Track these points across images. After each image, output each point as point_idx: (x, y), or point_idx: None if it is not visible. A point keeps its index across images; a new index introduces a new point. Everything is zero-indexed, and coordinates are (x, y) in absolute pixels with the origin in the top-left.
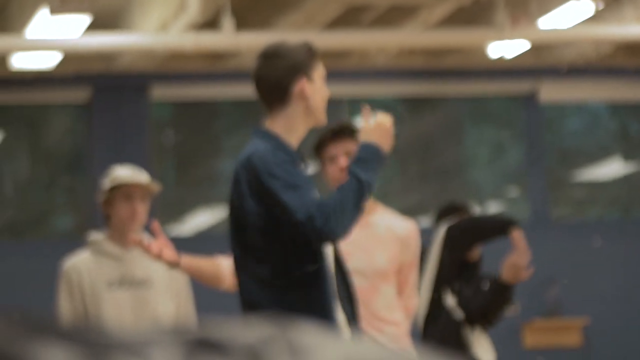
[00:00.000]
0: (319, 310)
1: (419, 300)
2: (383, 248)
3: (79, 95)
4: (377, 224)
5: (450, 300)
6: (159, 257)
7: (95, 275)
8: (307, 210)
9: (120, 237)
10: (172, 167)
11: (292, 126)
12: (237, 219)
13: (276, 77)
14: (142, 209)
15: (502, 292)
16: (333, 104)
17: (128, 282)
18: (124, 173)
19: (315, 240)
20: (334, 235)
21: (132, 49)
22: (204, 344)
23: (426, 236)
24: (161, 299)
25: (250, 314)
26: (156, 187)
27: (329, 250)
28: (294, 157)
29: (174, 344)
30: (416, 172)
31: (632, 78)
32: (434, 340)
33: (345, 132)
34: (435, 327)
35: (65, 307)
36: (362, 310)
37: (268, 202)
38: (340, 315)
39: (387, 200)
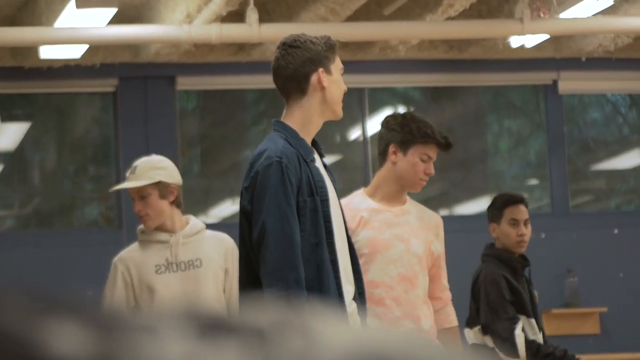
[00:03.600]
0: (324, 284)
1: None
2: (416, 236)
3: (106, 84)
4: (410, 212)
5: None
6: None
7: (142, 262)
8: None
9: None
10: (197, 156)
11: (308, 118)
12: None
13: (294, 68)
14: (141, 207)
15: None
16: (355, 94)
17: (175, 264)
18: (128, 174)
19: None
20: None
21: (158, 40)
22: (215, 326)
23: (449, 224)
24: (210, 278)
25: (256, 290)
26: (148, 187)
27: (336, 224)
28: (305, 152)
29: (186, 326)
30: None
31: None
32: None
33: (449, 147)
34: None
35: (108, 298)
36: (403, 298)
37: (253, 208)
38: (348, 289)
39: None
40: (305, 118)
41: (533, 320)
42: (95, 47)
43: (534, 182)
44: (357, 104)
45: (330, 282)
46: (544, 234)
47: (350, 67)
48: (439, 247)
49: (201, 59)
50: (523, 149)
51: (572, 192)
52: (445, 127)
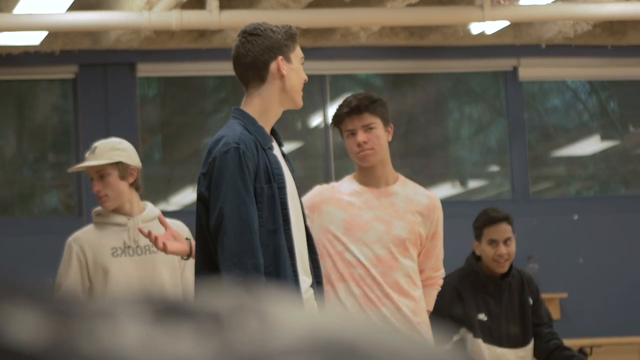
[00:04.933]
0: (281, 270)
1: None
2: (401, 218)
3: (65, 71)
4: (396, 193)
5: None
6: (164, 250)
7: (97, 244)
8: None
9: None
10: (158, 143)
11: (267, 106)
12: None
13: (253, 55)
14: (100, 187)
15: None
16: (316, 81)
17: (132, 248)
18: (88, 154)
19: (218, 252)
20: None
21: (117, 26)
22: (171, 311)
23: None
24: (167, 264)
25: (213, 276)
26: (107, 166)
27: (294, 213)
28: (263, 139)
29: (141, 311)
30: (398, 148)
31: (610, 56)
32: None
33: (362, 107)
34: None
35: (62, 278)
36: (381, 280)
37: (210, 195)
38: (304, 277)
39: None
40: (264, 106)
41: (480, 341)
42: (55, 34)
43: (494, 168)
44: (319, 90)
45: (287, 268)
46: None
47: (311, 53)
48: (429, 229)
49: (161, 46)
50: (484, 135)
51: (533, 179)
52: (407, 113)
